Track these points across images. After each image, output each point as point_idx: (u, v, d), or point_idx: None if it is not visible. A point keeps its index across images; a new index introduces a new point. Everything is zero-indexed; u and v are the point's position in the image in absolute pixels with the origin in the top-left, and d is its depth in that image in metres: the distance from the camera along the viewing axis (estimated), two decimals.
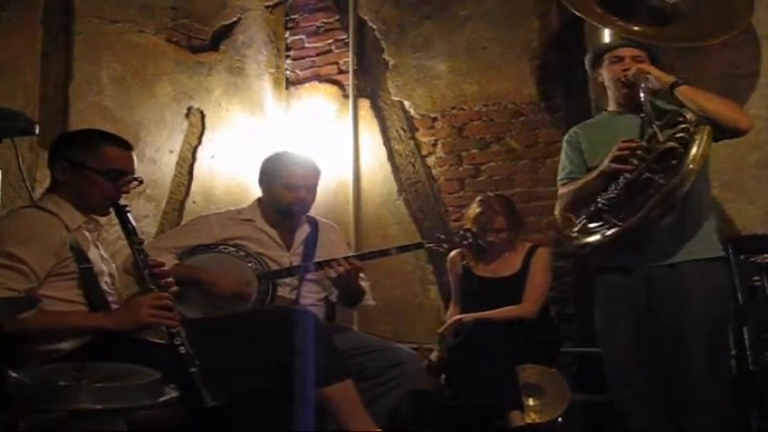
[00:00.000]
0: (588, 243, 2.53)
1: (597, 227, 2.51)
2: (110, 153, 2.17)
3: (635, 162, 2.41)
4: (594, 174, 2.54)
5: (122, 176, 2.18)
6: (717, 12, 2.73)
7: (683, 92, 2.46)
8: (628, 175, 2.41)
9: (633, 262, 2.52)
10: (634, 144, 2.44)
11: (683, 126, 2.41)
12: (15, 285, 1.97)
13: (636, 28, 2.71)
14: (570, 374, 3.13)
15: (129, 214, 2.18)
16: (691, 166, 2.35)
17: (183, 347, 2.03)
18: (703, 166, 2.54)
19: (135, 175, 2.23)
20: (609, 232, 2.46)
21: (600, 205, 2.47)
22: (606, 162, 2.48)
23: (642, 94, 2.48)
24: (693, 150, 2.36)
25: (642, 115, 2.53)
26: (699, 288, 2.44)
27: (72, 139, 2.25)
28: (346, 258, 2.72)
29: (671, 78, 2.50)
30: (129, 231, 2.16)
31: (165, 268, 2.25)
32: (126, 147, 2.23)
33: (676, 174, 2.35)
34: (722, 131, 2.42)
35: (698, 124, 2.40)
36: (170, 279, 2.22)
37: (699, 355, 2.41)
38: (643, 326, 2.51)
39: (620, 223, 2.43)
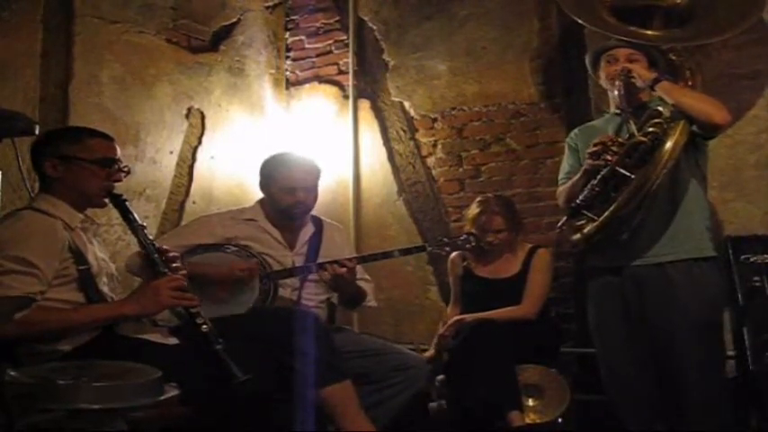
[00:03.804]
0: (576, 240, 2.56)
1: (581, 224, 2.53)
2: (96, 143, 2.20)
3: (608, 158, 2.44)
4: (580, 173, 2.58)
5: (113, 164, 2.20)
6: (730, 6, 2.74)
7: (662, 87, 2.49)
8: (603, 172, 2.45)
9: (622, 261, 2.53)
10: (607, 140, 2.47)
11: (655, 121, 2.44)
12: (32, 289, 1.97)
13: (650, 32, 2.71)
14: (570, 374, 3.12)
15: (126, 202, 2.19)
16: (661, 160, 2.37)
17: (205, 326, 2.06)
18: (699, 166, 2.56)
19: (122, 164, 2.24)
20: (587, 229, 2.49)
21: (579, 202, 2.50)
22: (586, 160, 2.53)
23: (616, 92, 2.54)
24: (666, 145, 2.38)
25: (617, 111, 2.59)
26: (687, 289, 2.44)
27: (56, 136, 2.25)
28: (336, 261, 2.71)
29: (652, 75, 2.53)
30: (131, 219, 2.17)
31: (173, 253, 2.25)
32: (108, 137, 2.26)
33: (646, 168, 2.38)
34: (698, 125, 2.44)
35: (674, 120, 2.42)
36: (179, 263, 2.24)
37: (689, 358, 2.41)
38: (635, 326, 2.52)
39: (596, 218, 2.45)
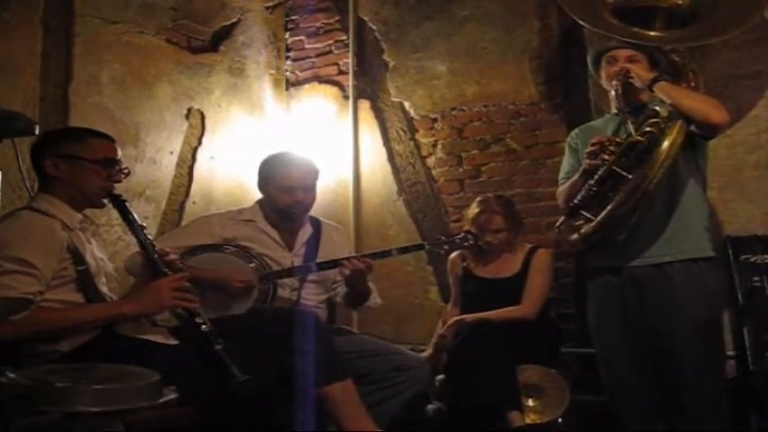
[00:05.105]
0: (574, 240, 2.57)
1: (579, 224, 2.53)
2: (98, 144, 2.21)
3: (605, 158, 2.44)
4: (579, 173, 2.58)
5: (114, 165, 2.21)
6: (732, 6, 2.74)
7: (661, 87, 2.49)
8: (600, 171, 2.45)
9: (621, 261, 2.53)
10: (604, 140, 2.48)
11: (652, 121, 2.44)
12: (30, 289, 1.96)
13: (652, 33, 2.72)
14: (570, 374, 3.12)
15: (126, 203, 2.19)
16: (658, 159, 2.37)
17: (205, 326, 2.07)
18: (699, 167, 2.56)
19: (122, 165, 2.25)
20: (584, 229, 2.49)
21: (576, 202, 2.50)
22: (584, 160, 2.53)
23: (613, 92, 2.54)
24: (663, 144, 2.39)
25: (616, 111, 2.59)
26: (686, 289, 2.43)
27: (58, 135, 2.26)
28: (355, 256, 2.72)
29: (651, 75, 2.53)
30: (130, 219, 2.18)
31: (173, 256, 2.26)
32: (109, 138, 2.27)
33: (643, 168, 2.38)
34: (696, 125, 2.43)
35: (671, 119, 2.42)
36: (180, 264, 2.26)
37: (688, 358, 2.41)
38: (635, 326, 2.52)
39: (593, 218, 2.45)
